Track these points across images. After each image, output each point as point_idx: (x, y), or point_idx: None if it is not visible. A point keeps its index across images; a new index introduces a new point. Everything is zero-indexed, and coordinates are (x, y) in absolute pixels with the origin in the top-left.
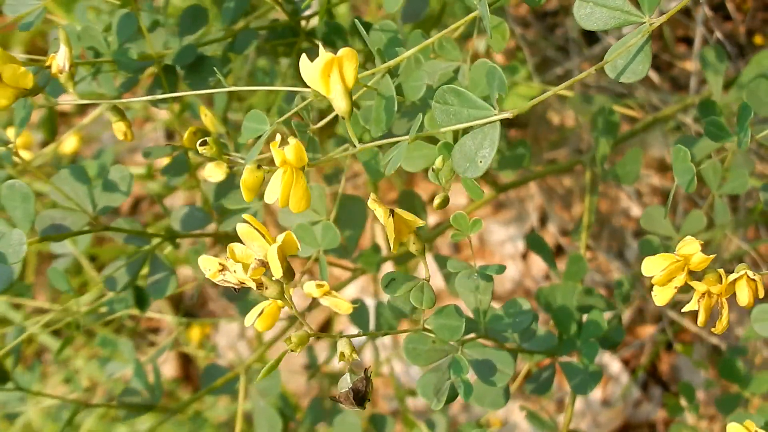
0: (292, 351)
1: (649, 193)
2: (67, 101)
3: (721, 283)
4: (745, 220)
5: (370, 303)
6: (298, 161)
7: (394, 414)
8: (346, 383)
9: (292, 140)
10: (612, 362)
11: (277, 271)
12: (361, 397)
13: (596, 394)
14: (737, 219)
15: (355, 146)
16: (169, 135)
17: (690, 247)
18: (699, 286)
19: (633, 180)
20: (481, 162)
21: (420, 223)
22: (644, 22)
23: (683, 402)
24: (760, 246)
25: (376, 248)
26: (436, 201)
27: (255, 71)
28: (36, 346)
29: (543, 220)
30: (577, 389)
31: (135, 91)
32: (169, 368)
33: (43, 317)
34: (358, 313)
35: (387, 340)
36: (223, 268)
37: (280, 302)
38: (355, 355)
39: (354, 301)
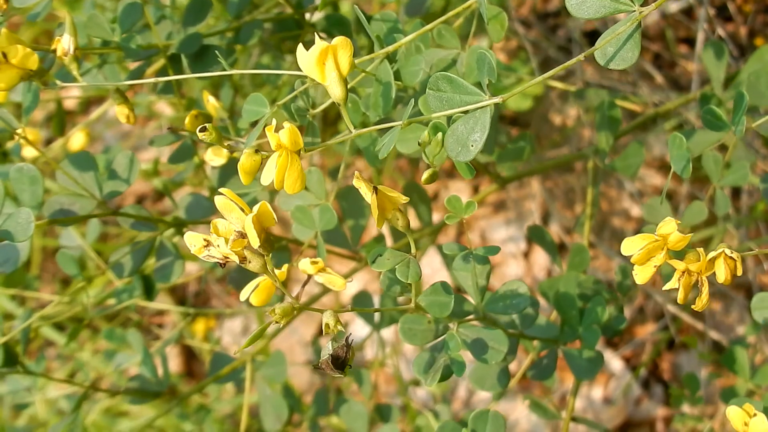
0: (276, 323)
1: (651, 193)
2: (73, 88)
3: (700, 261)
4: (746, 219)
5: (375, 299)
6: (293, 145)
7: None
8: (327, 350)
9: (286, 124)
10: (613, 360)
11: (255, 241)
12: (341, 363)
13: (598, 392)
14: (739, 217)
15: (351, 132)
16: (173, 132)
17: (668, 227)
18: (678, 265)
19: (633, 172)
20: (472, 146)
21: (404, 199)
22: (634, 11)
23: (687, 394)
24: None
25: (379, 238)
26: (425, 176)
27: (259, 67)
28: (40, 341)
29: (545, 219)
30: (579, 375)
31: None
32: (172, 364)
33: (50, 307)
34: (363, 305)
35: (391, 336)
36: (208, 244)
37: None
38: (340, 327)
39: (359, 294)
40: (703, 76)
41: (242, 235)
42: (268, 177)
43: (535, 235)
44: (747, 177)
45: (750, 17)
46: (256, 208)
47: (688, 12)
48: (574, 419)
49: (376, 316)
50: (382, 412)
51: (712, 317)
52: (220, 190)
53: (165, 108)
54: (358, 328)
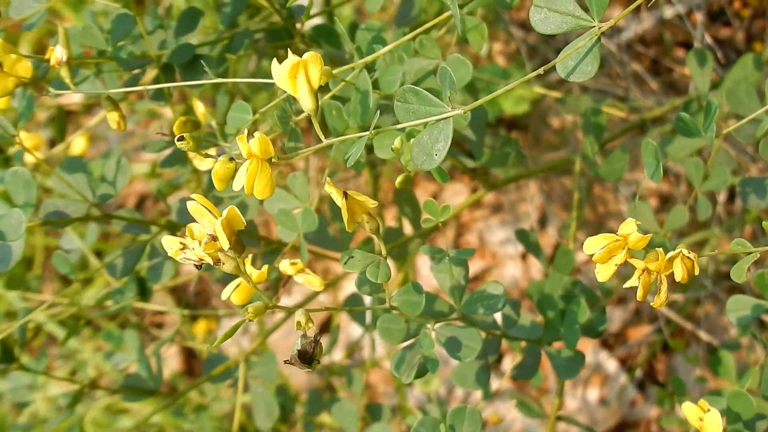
0: (249, 321)
1: (647, 196)
2: (76, 94)
3: (658, 260)
4: (739, 223)
5: (367, 300)
6: (263, 153)
7: (393, 410)
8: (296, 346)
9: (257, 134)
10: (609, 362)
11: (225, 243)
12: (308, 358)
13: (593, 393)
14: (732, 221)
15: (322, 141)
16: (165, 137)
17: (628, 227)
18: (638, 264)
19: (617, 177)
20: (436, 155)
21: (372, 203)
22: (593, 26)
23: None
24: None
25: (368, 241)
26: (398, 180)
27: (257, 74)
28: (42, 340)
29: (543, 221)
30: (560, 374)
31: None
32: (174, 363)
33: (50, 306)
34: (354, 306)
35: None
36: (184, 247)
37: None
38: (310, 324)
39: (350, 296)
40: None
41: (214, 238)
42: (239, 183)
43: (521, 239)
44: (727, 182)
45: (747, 22)
46: (225, 212)
47: (687, 15)
48: (559, 418)
49: (368, 318)
50: (373, 412)
51: (707, 320)
52: (192, 195)
53: (167, 110)
54: (357, 331)
